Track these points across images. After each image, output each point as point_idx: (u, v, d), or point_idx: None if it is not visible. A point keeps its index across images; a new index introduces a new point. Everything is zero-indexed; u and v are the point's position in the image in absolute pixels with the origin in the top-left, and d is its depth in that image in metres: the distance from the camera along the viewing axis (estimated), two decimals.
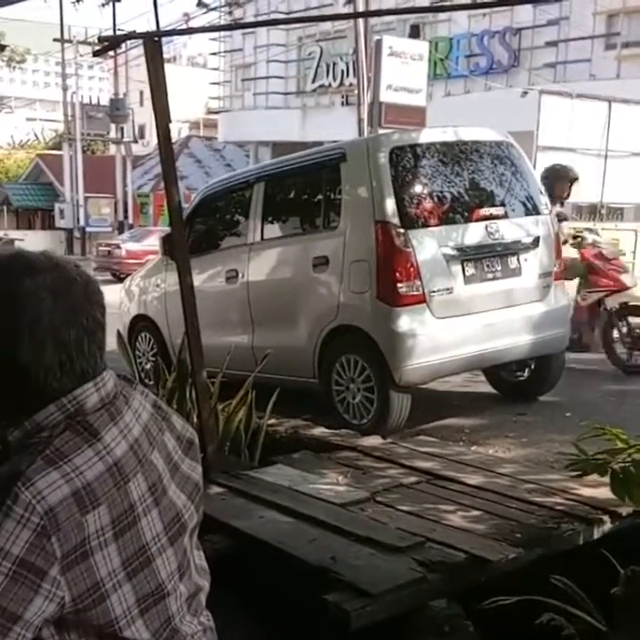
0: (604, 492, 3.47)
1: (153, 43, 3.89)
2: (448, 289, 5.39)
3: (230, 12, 16.16)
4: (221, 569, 1.87)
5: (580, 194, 17.97)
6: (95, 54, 6.00)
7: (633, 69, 21.82)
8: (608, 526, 3.29)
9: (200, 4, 10.80)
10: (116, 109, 28.69)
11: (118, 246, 21.71)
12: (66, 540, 1.16)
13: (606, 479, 3.39)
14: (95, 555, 1.20)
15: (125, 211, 30.92)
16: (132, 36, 4.49)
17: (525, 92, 19.01)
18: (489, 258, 5.61)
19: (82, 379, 1.28)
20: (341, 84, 27.52)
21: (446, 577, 2.85)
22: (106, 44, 4.79)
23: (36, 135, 53.72)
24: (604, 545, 2.96)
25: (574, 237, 7.55)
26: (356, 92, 17.31)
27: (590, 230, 8.28)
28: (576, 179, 8.15)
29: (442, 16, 25.04)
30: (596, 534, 3.24)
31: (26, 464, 1.18)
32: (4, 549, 1.12)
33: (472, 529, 3.23)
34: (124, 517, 1.25)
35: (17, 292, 1.23)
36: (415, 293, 5.25)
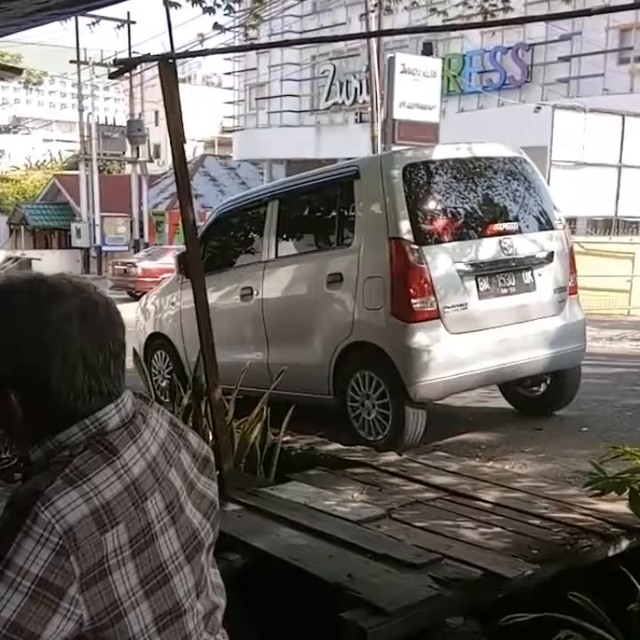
0: (622, 508, 3.45)
1: (167, 64, 3.94)
2: (462, 305, 5.39)
3: (246, 34, 16.25)
4: (237, 586, 1.87)
5: (595, 208, 18.04)
6: (111, 76, 6.08)
7: None
8: (625, 542, 3.26)
9: (216, 26, 10.90)
10: (137, 130, 28.94)
11: (134, 265, 21.81)
12: (84, 560, 1.16)
13: (624, 496, 3.38)
14: (113, 573, 1.20)
15: (141, 229, 31.12)
16: (146, 58, 4.55)
17: (538, 108, 19.04)
18: (503, 273, 5.61)
19: (106, 400, 1.30)
20: (355, 101, 27.67)
21: (463, 594, 2.84)
22: (121, 66, 4.85)
23: (52, 156, 54.28)
24: (621, 561, 2.94)
25: None
26: (370, 109, 17.41)
27: None
28: None
29: (454, 33, 25.18)
30: (614, 550, 3.22)
31: (45, 484, 1.19)
32: (24, 569, 1.13)
33: (489, 545, 3.22)
34: (141, 536, 1.26)
35: (46, 320, 1.23)
36: (429, 309, 5.26)
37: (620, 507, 3.47)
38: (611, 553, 3.21)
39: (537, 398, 6.37)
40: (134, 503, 1.25)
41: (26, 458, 1.30)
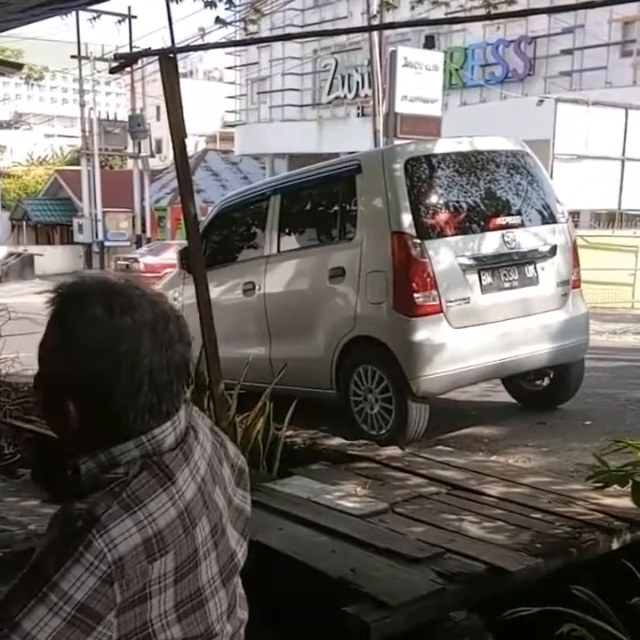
0: (625, 502, 3.44)
1: (168, 59, 3.93)
2: (465, 299, 5.38)
3: (246, 28, 16.25)
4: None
5: (598, 201, 18.00)
6: (112, 71, 6.06)
7: None
8: (629, 536, 3.26)
9: (217, 21, 10.90)
10: (137, 125, 28.90)
11: (136, 260, 21.87)
12: (128, 588, 1.14)
13: (627, 489, 3.38)
14: (153, 599, 1.18)
15: (143, 225, 31.09)
16: (147, 53, 4.54)
17: (541, 101, 18.98)
18: (506, 267, 5.60)
19: (165, 418, 1.26)
20: (357, 95, 27.60)
21: (466, 588, 2.84)
22: (122, 61, 4.84)
23: (53, 151, 54.26)
24: (625, 555, 2.94)
25: None
26: (372, 103, 17.37)
27: None
28: None
29: (456, 26, 25.10)
30: (617, 544, 3.22)
31: (103, 509, 1.15)
32: (68, 594, 1.11)
33: (492, 539, 3.22)
34: (187, 562, 1.23)
35: (118, 332, 1.19)
36: (432, 303, 5.25)
37: (624, 500, 3.47)
38: (614, 546, 3.21)
39: (540, 392, 6.36)
40: (185, 530, 1.23)
41: (76, 467, 1.25)
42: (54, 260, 30.94)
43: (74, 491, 1.23)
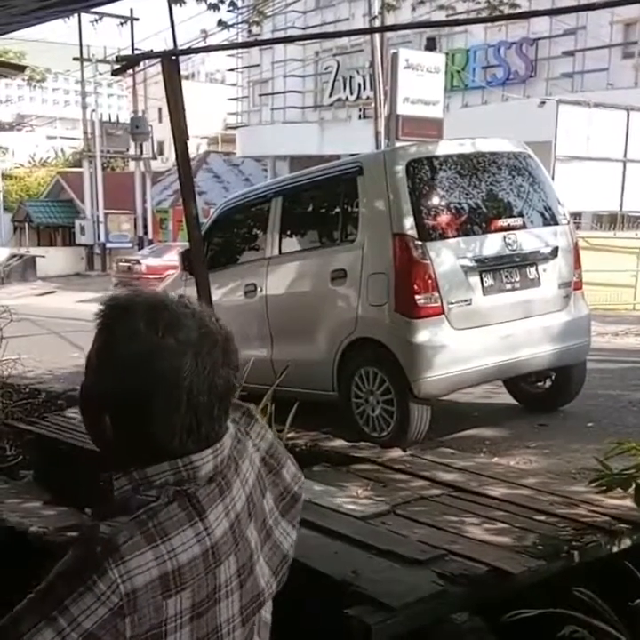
0: (627, 504, 3.44)
1: (170, 61, 3.94)
2: (466, 300, 5.38)
3: (249, 31, 16.25)
4: None
5: (600, 203, 17.99)
6: (114, 73, 6.08)
7: None
8: (631, 538, 3.25)
9: (220, 24, 10.92)
10: (136, 127, 28.94)
11: (138, 262, 21.84)
12: (139, 623, 1.12)
13: (629, 491, 3.37)
14: (168, 637, 1.15)
15: (145, 226, 31.12)
16: (149, 55, 4.55)
17: (543, 103, 18.99)
18: (507, 269, 5.60)
19: (204, 443, 1.22)
20: (358, 97, 27.61)
21: (468, 590, 2.84)
22: (124, 63, 4.85)
23: (56, 153, 54.32)
24: (627, 557, 2.93)
25: None
26: (373, 105, 17.38)
27: None
28: None
29: (458, 28, 25.10)
30: (619, 546, 3.22)
31: (124, 538, 1.12)
32: (77, 621, 1.09)
33: (494, 541, 3.22)
34: (205, 601, 1.20)
35: (158, 350, 1.17)
36: (433, 305, 5.25)
37: (626, 502, 3.47)
38: (616, 549, 3.21)
39: (542, 394, 6.36)
40: (207, 568, 1.20)
41: (110, 479, 1.24)
42: (56, 261, 30.96)
43: (103, 501, 1.21)
